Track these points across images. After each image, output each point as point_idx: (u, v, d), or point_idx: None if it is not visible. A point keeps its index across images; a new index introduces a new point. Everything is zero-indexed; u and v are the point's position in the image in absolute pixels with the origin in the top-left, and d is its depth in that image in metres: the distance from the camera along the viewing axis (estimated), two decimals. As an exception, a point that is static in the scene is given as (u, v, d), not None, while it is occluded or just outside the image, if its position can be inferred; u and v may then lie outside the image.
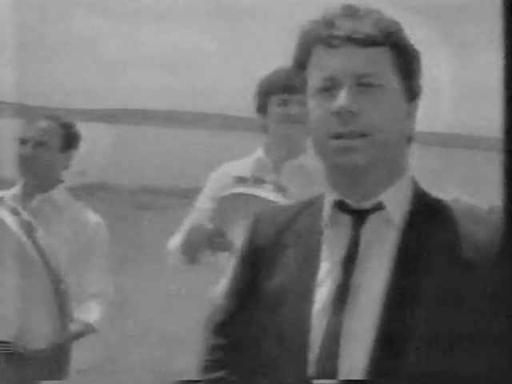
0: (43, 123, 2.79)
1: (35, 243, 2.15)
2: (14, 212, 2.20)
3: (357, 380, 1.37)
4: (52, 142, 2.79)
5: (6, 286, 2.14)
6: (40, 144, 2.77)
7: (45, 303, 2.13)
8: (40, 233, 2.20)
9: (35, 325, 2.17)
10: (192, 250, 2.73)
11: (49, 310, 2.14)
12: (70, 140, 2.84)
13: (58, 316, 2.17)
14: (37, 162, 2.77)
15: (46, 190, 2.80)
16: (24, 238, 2.15)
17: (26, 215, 2.22)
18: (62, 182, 2.87)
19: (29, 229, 2.17)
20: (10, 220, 2.18)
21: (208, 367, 1.57)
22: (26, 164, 2.77)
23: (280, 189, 2.53)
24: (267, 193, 2.49)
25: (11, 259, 2.14)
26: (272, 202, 2.40)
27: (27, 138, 2.77)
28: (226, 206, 2.53)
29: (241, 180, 2.59)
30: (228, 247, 2.51)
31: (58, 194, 2.82)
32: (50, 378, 2.34)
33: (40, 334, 2.18)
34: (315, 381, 1.38)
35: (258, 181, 2.56)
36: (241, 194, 2.53)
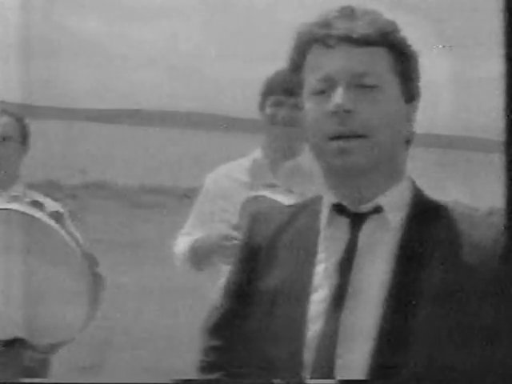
0: (5, 118, 2.78)
1: (67, 230, 2.15)
2: (37, 205, 2.19)
3: (354, 380, 1.37)
4: (15, 137, 2.78)
5: (47, 275, 2.13)
6: (6, 139, 2.76)
7: (83, 290, 2.13)
8: (68, 221, 2.19)
9: (73, 314, 2.16)
10: (201, 258, 2.73)
11: (86, 297, 2.14)
12: (26, 134, 2.83)
13: (93, 304, 2.17)
14: (5, 158, 2.76)
15: (6, 187, 2.77)
16: (57, 228, 2.14)
17: (49, 207, 2.21)
18: (20, 177, 2.84)
19: (58, 217, 2.17)
20: (37, 213, 2.17)
21: (204, 368, 1.57)
22: None
23: (290, 192, 2.49)
24: (280, 196, 2.45)
25: (51, 250, 2.13)
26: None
27: None
28: (249, 208, 2.47)
29: (270, 185, 2.56)
30: None
31: (19, 189, 2.78)
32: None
33: (76, 323, 2.18)
34: (312, 381, 1.38)
35: (270, 185, 2.54)
36: (263, 197, 2.48)
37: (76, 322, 2.16)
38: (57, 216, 2.15)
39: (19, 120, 2.82)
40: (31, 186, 2.86)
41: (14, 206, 2.17)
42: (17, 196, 2.29)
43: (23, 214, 2.14)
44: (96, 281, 2.14)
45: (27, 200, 2.19)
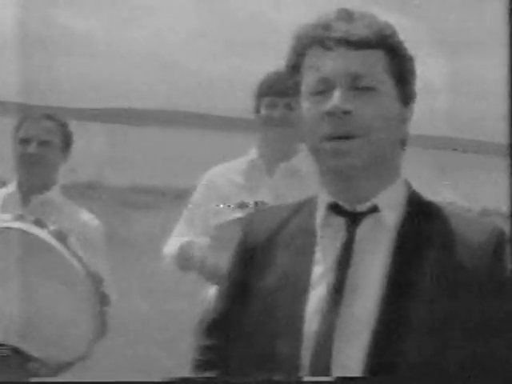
0: (46, 122, 2.79)
1: (71, 251, 2.13)
2: (40, 224, 2.17)
3: (352, 377, 1.38)
4: (55, 142, 2.79)
5: (50, 295, 2.13)
6: (44, 143, 2.76)
7: (88, 309, 2.12)
8: (72, 240, 2.18)
9: (79, 333, 2.16)
10: (186, 264, 2.73)
11: (91, 316, 2.13)
12: (68, 139, 2.85)
13: (99, 322, 2.16)
14: (41, 162, 2.77)
15: (42, 191, 2.80)
16: (60, 248, 2.12)
17: (52, 225, 2.19)
18: (56, 182, 2.86)
19: (61, 237, 2.15)
20: (39, 232, 2.15)
21: (199, 367, 1.59)
22: (31, 163, 2.76)
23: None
24: None
25: (53, 270, 2.12)
26: None
27: (31, 137, 2.76)
28: (223, 234, 2.47)
29: (241, 205, 2.56)
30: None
31: (55, 194, 2.82)
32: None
33: (82, 341, 2.19)
34: (308, 378, 1.39)
35: (261, 204, 2.53)
36: (241, 220, 2.47)
37: (82, 342, 2.16)
38: (60, 235, 2.14)
39: (63, 126, 2.83)
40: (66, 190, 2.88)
41: (17, 224, 2.14)
42: (21, 215, 2.27)
43: (25, 232, 2.12)
44: (101, 300, 2.14)
45: (31, 218, 2.17)
